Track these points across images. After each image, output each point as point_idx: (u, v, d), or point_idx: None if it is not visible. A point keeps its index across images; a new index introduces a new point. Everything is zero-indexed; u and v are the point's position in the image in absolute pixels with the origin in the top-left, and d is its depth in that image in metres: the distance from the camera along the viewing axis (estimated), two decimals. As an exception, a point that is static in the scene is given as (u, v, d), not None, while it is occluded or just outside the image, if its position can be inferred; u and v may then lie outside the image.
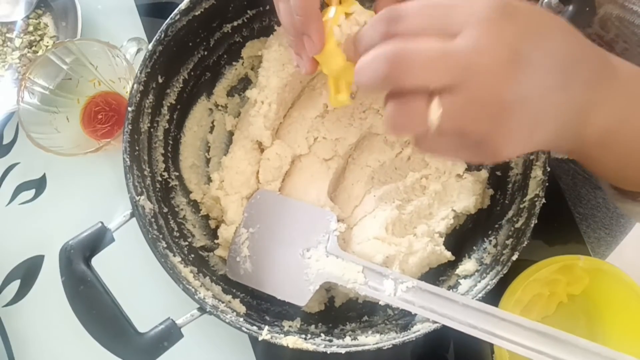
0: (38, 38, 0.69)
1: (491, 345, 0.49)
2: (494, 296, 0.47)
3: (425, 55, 0.31)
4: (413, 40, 0.32)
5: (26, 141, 0.57)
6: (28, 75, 0.58)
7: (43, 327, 0.62)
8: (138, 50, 0.63)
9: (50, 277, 0.62)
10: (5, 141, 0.67)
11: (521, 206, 0.49)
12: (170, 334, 0.45)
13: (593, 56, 0.36)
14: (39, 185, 0.65)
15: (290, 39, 0.45)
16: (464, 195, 0.53)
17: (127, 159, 0.49)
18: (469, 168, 0.55)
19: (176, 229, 0.53)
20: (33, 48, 0.68)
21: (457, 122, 0.32)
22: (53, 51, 0.59)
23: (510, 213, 0.50)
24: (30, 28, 0.69)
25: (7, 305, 0.62)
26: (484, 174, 0.55)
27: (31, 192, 0.65)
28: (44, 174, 0.65)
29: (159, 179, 0.54)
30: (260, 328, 0.47)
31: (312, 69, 0.46)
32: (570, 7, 0.48)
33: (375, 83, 0.32)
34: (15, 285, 0.63)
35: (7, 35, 0.69)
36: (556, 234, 0.58)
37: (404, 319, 0.50)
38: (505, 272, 0.46)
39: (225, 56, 0.59)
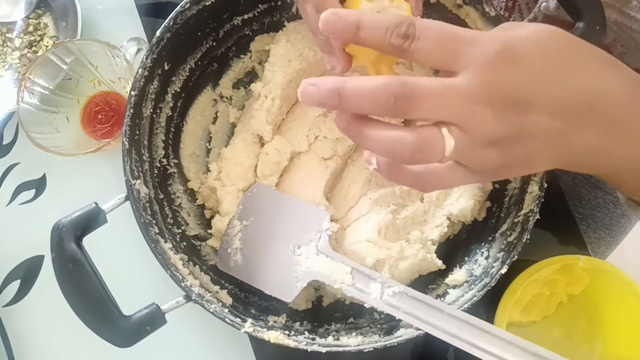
0: (38, 38, 0.69)
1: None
2: (492, 297, 0.47)
3: (431, 92, 0.32)
4: (416, 77, 0.33)
5: (26, 141, 0.57)
6: (28, 75, 0.59)
7: (43, 327, 0.62)
8: (138, 50, 0.63)
9: (50, 277, 0.61)
10: (5, 141, 0.67)
11: (515, 220, 0.49)
12: (154, 319, 0.45)
13: (610, 97, 0.36)
14: (39, 185, 0.65)
15: (318, 41, 0.44)
16: (464, 199, 0.53)
17: (126, 142, 0.49)
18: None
19: (170, 215, 0.54)
20: (33, 48, 0.69)
21: (465, 154, 0.34)
22: (53, 51, 0.59)
23: (505, 226, 0.50)
24: (30, 28, 0.69)
25: (7, 305, 0.63)
26: (488, 185, 0.54)
27: (31, 192, 0.65)
28: (44, 174, 0.65)
29: (158, 165, 0.54)
30: (244, 320, 0.47)
31: (347, 65, 0.42)
32: (581, 24, 0.48)
33: (379, 110, 0.33)
34: (15, 285, 0.63)
35: (7, 35, 0.69)
36: (556, 234, 0.58)
37: (389, 323, 0.50)
38: (493, 284, 0.46)
39: (233, 48, 0.60)
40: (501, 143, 0.34)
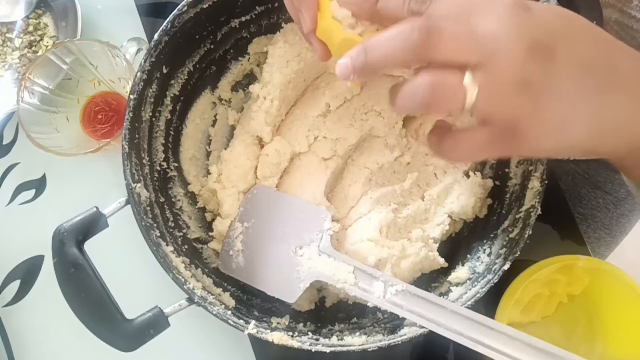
0: (38, 38, 0.69)
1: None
2: (493, 297, 0.47)
3: (455, 31, 0.32)
4: (440, 19, 0.33)
5: (26, 141, 0.57)
6: (28, 75, 0.59)
7: (43, 327, 0.62)
8: (138, 50, 0.63)
9: (50, 277, 0.61)
10: (5, 141, 0.67)
11: (517, 216, 0.49)
12: (157, 322, 0.45)
13: (630, 62, 0.35)
14: (39, 185, 0.65)
15: (298, 27, 0.44)
16: (465, 196, 0.53)
17: (126, 146, 0.49)
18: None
19: (171, 219, 0.54)
20: (33, 48, 0.69)
21: (492, 100, 0.32)
22: (53, 51, 0.59)
23: (506, 223, 0.50)
24: (30, 28, 0.69)
25: (7, 305, 0.63)
26: (489, 182, 0.54)
27: (31, 192, 0.65)
28: (44, 174, 0.66)
29: (158, 168, 0.54)
30: (247, 322, 0.47)
31: (324, 53, 0.42)
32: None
33: (404, 52, 0.33)
34: (15, 285, 0.63)
35: (7, 35, 0.69)
36: (556, 234, 0.58)
37: (393, 322, 0.50)
38: (495, 281, 0.46)
39: (231, 51, 0.60)
40: (531, 90, 0.32)
